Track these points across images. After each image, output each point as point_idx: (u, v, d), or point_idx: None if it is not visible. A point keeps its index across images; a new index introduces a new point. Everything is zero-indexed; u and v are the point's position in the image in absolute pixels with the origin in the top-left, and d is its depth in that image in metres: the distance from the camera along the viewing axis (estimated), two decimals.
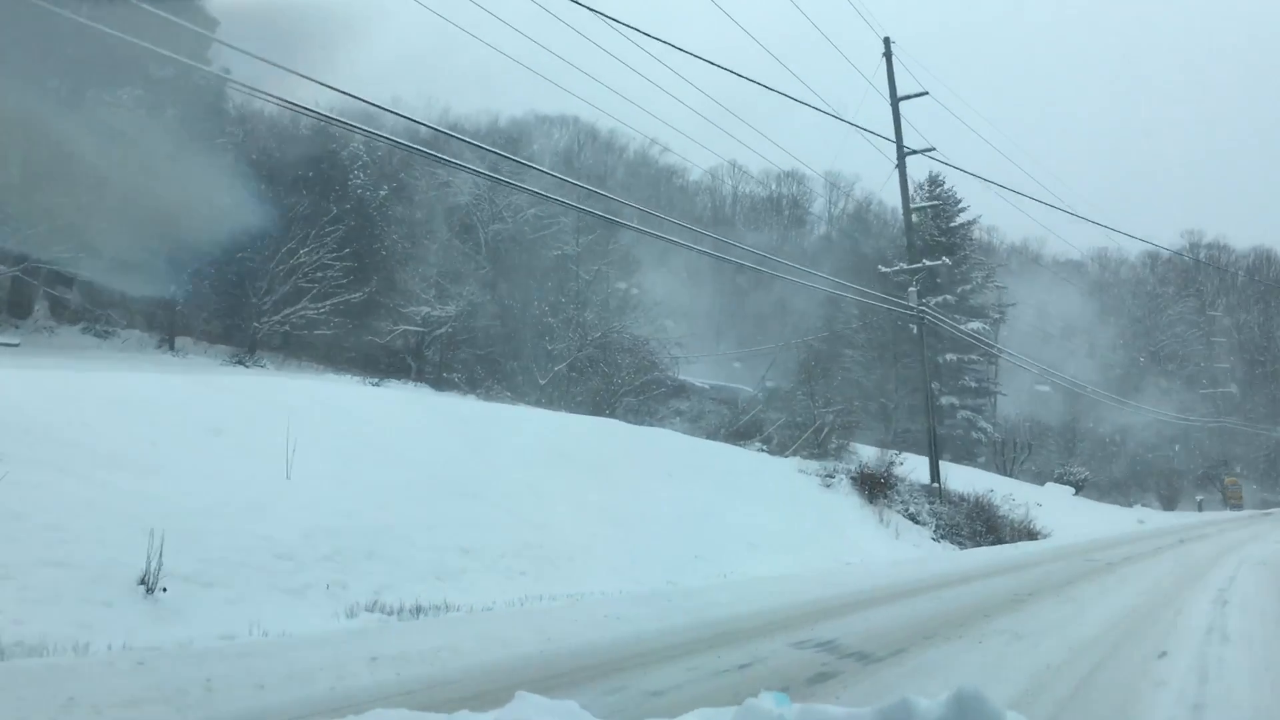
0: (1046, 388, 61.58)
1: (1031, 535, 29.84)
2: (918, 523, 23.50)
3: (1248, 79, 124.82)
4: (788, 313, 58.54)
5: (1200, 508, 57.44)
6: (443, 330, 25.10)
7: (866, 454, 29.17)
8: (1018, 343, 53.69)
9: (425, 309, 24.69)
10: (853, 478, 23.08)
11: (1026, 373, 61.48)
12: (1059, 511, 34.90)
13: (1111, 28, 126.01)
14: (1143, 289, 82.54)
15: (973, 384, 51.75)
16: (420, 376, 24.65)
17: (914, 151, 28.01)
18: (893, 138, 28.09)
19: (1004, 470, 54.29)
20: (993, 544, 26.08)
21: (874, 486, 22.60)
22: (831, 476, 23.03)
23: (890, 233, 63.52)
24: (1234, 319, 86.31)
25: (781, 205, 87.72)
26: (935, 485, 27.55)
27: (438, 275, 25.31)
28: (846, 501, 21.76)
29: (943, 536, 23.81)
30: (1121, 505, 54.73)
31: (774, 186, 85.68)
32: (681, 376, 35.41)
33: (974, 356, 52.13)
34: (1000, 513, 29.29)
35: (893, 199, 63.69)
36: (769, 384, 33.95)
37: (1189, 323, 79.65)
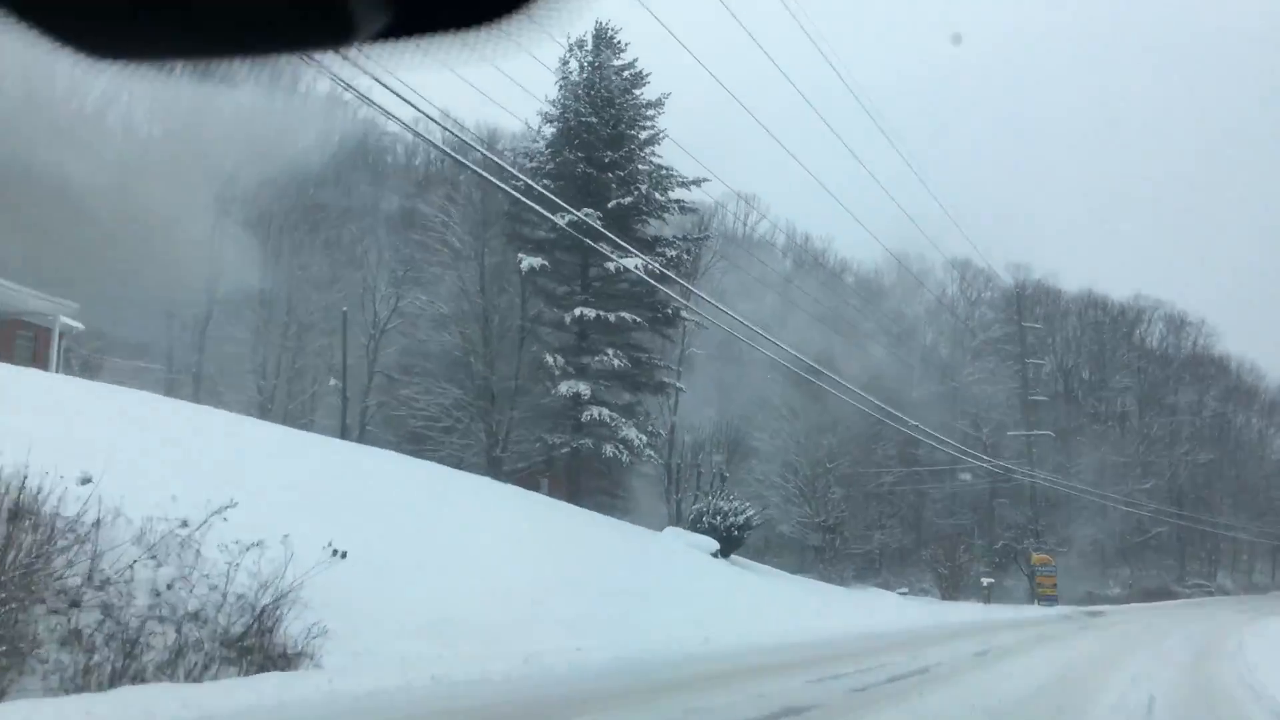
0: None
1: None
2: None
3: (1091, 119, 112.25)
4: None
5: (988, 597, 36.68)
6: None
7: None
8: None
9: None
10: None
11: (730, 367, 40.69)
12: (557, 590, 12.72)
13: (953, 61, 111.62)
14: (942, 305, 64.14)
15: (622, 363, 29.65)
16: None
17: None
18: None
19: (676, 516, 32.27)
20: None
21: None
22: None
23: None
24: (1059, 362, 68.78)
25: None
26: None
27: None
28: None
29: None
30: (859, 587, 33.45)
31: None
32: None
33: (634, 318, 30.28)
34: None
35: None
36: None
37: (1004, 354, 61.03)
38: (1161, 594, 52.06)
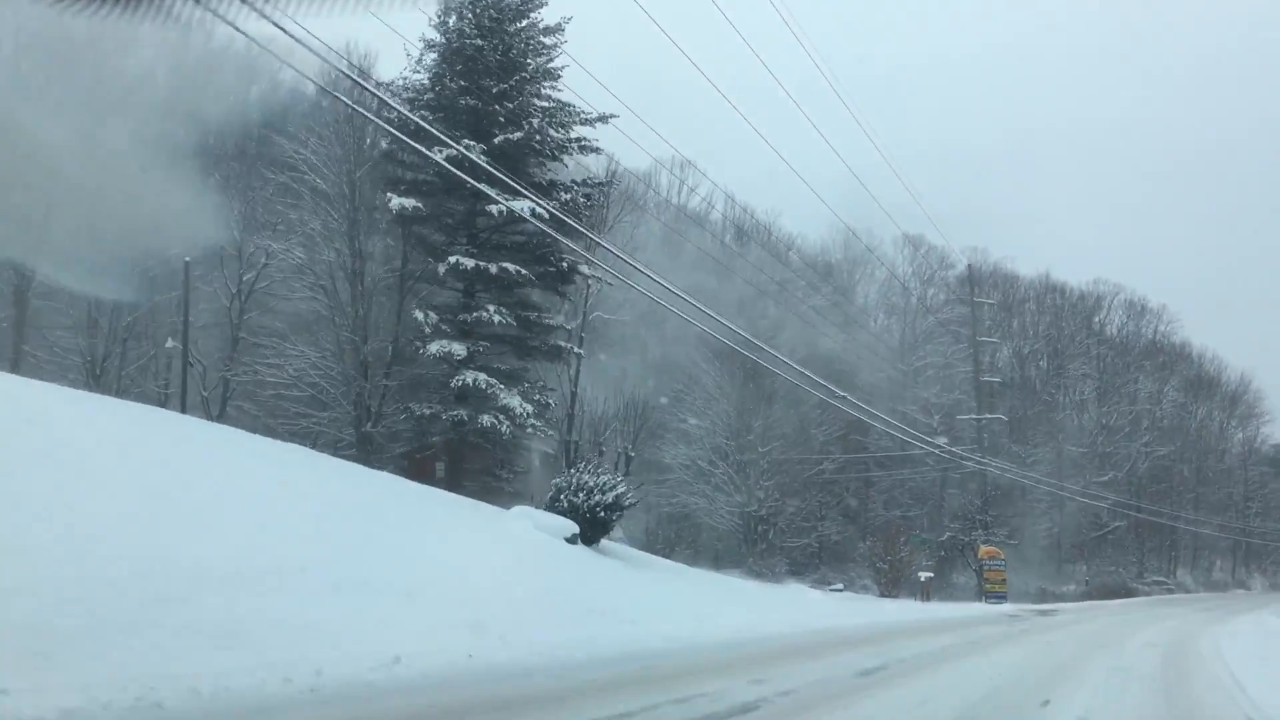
0: None
1: None
2: None
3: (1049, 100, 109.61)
4: None
5: (926, 594, 32.94)
6: None
7: None
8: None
9: None
10: None
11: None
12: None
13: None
14: (893, 279, 60.56)
15: (505, 322, 25.51)
16: None
17: None
18: None
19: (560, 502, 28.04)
20: None
21: None
22: None
23: None
24: (1014, 347, 65.47)
25: None
26: None
27: None
28: None
29: None
30: (788, 583, 29.62)
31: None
32: None
33: (519, 270, 26.16)
34: None
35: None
36: None
37: (957, 336, 57.57)
38: (1119, 591, 48.85)
